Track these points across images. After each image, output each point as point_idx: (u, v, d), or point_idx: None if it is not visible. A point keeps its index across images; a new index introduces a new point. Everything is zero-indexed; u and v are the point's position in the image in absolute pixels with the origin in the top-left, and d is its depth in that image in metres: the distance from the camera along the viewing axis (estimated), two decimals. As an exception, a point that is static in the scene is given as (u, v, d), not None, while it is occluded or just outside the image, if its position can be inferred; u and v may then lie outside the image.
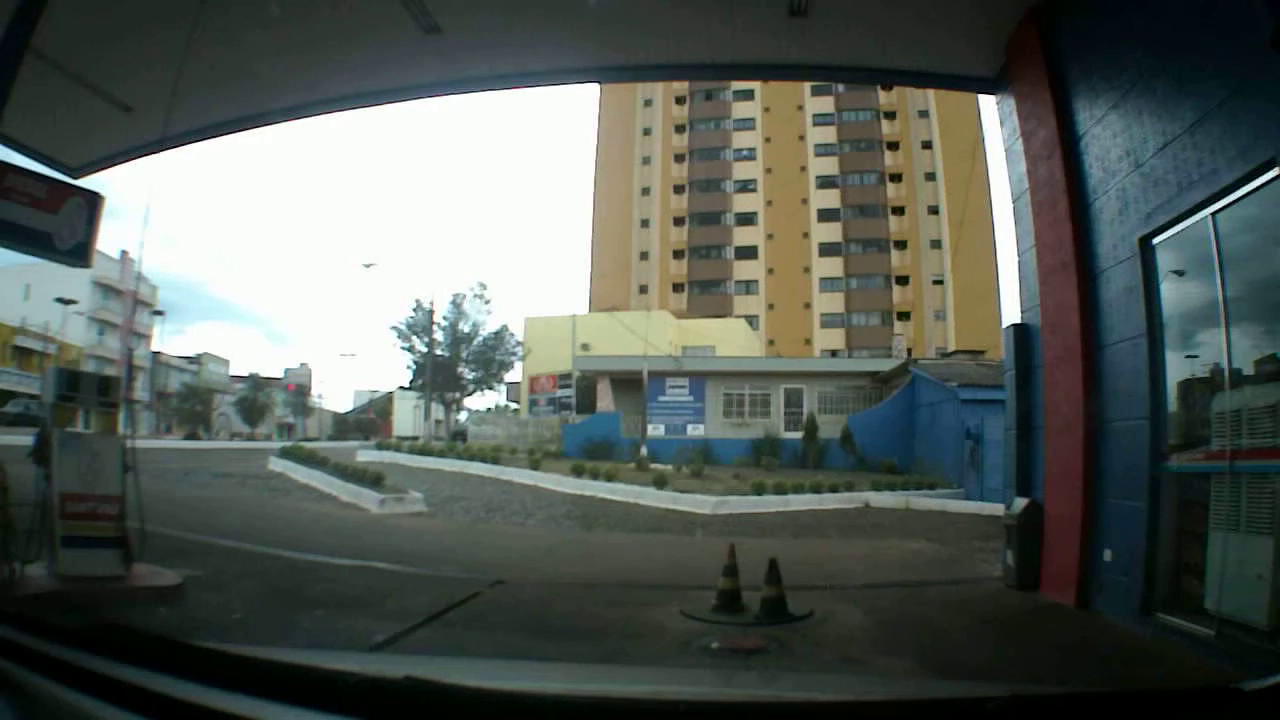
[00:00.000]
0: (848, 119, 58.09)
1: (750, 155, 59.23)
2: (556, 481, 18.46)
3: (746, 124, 59.61)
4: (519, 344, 42.14)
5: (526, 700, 1.18)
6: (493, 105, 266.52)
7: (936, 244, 54.31)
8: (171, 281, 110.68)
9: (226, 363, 74.11)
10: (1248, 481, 4.57)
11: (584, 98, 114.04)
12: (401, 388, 58.77)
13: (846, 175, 57.57)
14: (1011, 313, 9.02)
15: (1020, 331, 7.86)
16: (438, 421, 40.70)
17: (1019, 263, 8.01)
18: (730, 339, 42.61)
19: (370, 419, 78.67)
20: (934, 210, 54.63)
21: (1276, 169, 4.22)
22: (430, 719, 1.09)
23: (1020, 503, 7.33)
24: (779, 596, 5.92)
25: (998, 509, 9.55)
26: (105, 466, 5.96)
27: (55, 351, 42.09)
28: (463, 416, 42.77)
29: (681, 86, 58.20)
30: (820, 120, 58.15)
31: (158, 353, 59.50)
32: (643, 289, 57.39)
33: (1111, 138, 6.15)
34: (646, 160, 60.39)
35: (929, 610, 6.61)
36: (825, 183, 57.58)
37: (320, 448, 25.38)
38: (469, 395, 42.39)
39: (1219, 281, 4.88)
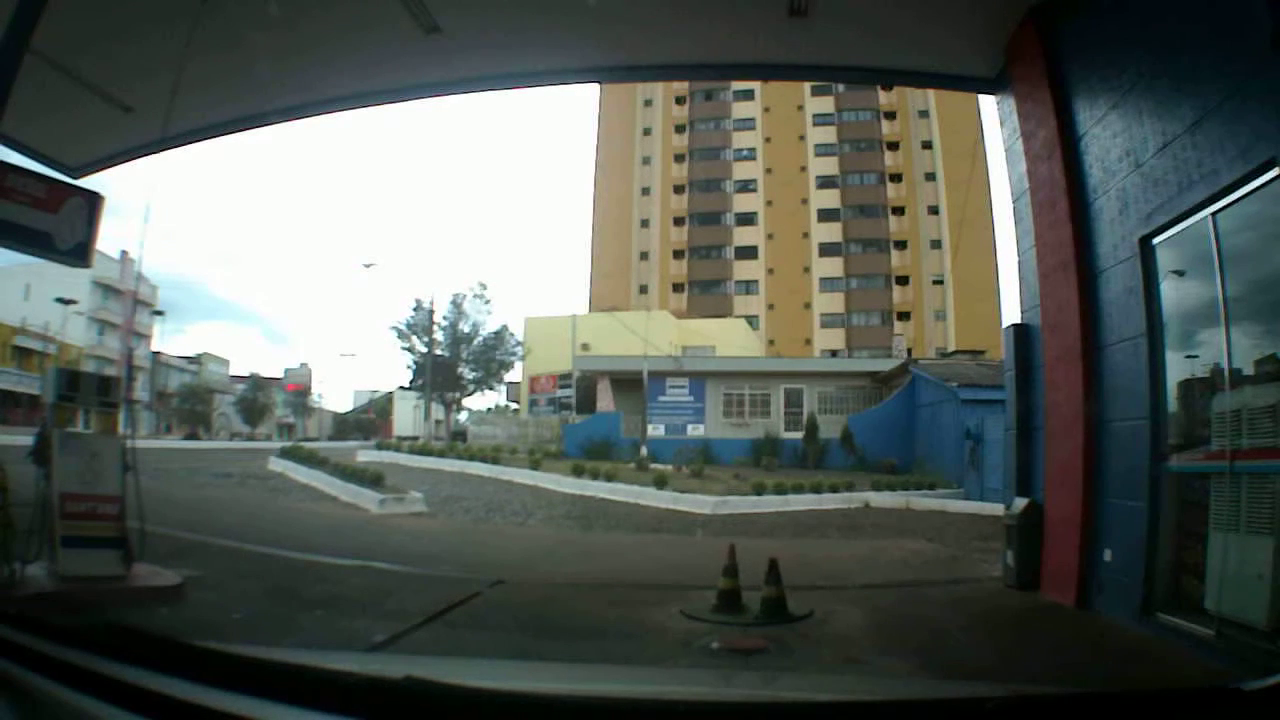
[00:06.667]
0: (848, 119, 58.07)
1: (750, 155, 59.23)
2: (556, 481, 18.45)
3: (746, 124, 59.60)
4: (519, 344, 42.13)
5: (526, 700, 1.18)
6: (493, 105, 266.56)
7: (936, 244, 54.31)
8: (171, 281, 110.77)
9: (226, 363, 74.13)
10: (1248, 481, 4.57)
11: (584, 98, 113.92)
12: (401, 388, 58.83)
13: (846, 175, 57.56)
14: (1011, 313, 9.03)
15: (1020, 331, 7.86)
16: (438, 421, 40.71)
17: (1019, 263, 8.01)
18: (730, 339, 42.61)
19: (370, 419, 78.69)
20: (934, 210, 54.62)
21: (1276, 169, 4.22)
22: (430, 719, 1.09)
23: (1020, 503, 7.33)
24: (779, 596, 5.91)
25: (998, 509, 9.55)
26: (105, 467, 5.96)
27: (55, 351, 42.10)
28: (463, 416, 42.80)
29: (681, 86, 58.18)
30: (820, 120, 58.13)
31: (158, 353, 59.50)
32: (643, 289, 57.39)
33: (1111, 138, 6.15)
34: (646, 160, 60.38)
35: (929, 610, 6.61)
36: (825, 183, 57.57)
37: (320, 448, 25.38)
38: (469, 395, 42.40)
39: (1219, 281, 4.87)
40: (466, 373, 40.72)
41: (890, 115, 57.02)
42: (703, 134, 60.65)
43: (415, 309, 38.66)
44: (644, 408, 26.40)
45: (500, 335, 41.31)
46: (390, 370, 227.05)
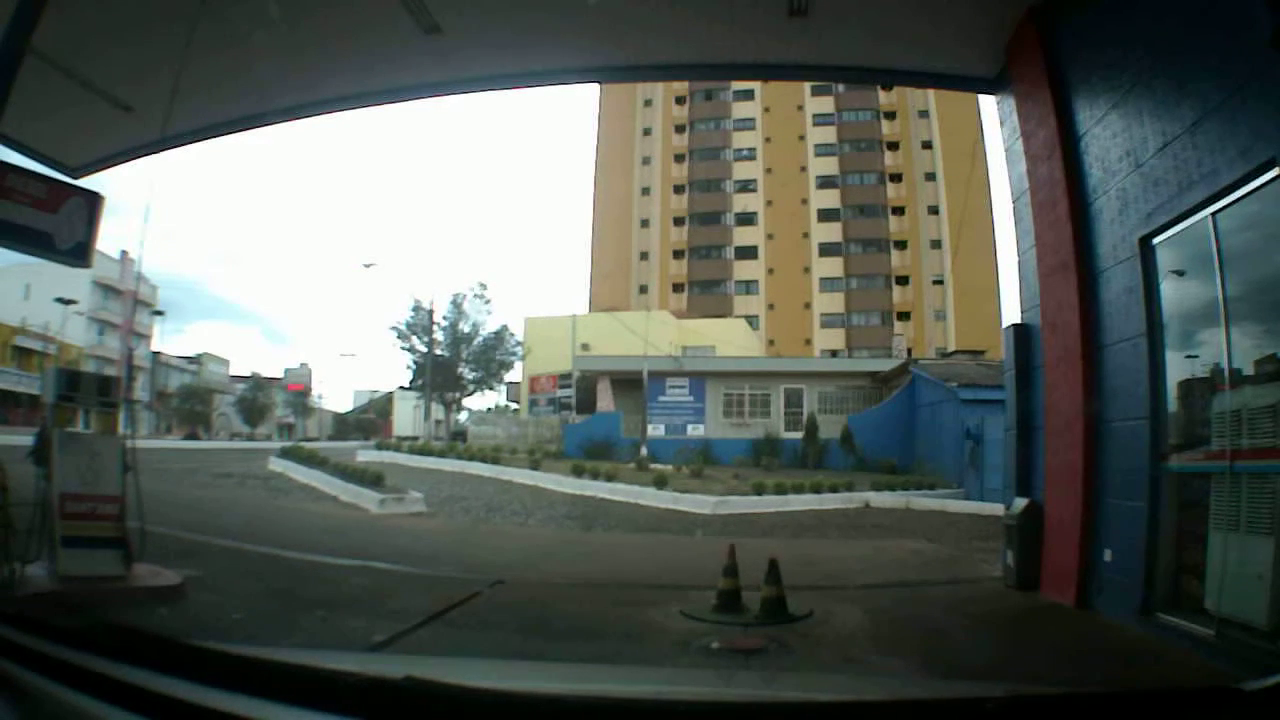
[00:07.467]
0: (848, 119, 58.07)
1: (750, 155, 59.22)
2: (556, 481, 18.45)
3: (746, 124, 59.60)
4: (519, 344, 42.10)
5: (526, 700, 1.18)
6: (493, 105, 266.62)
7: (936, 244, 54.31)
8: (171, 281, 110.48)
9: (226, 363, 74.14)
10: (1248, 481, 4.57)
11: (584, 98, 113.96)
12: (401, 388, 58.76)
13: (846, 175, 57.56)
14: (1011, 313, 9.03)
15: (1020, 331, 7.86)
16: (438, 421, 40.69)
17: (1019, 263, 8.01)
18: (730, 339, 42.58)
19: (370, 419, 78.71)
20: (934, 210, 54.62)
21: (1276, 169, 4.22)
22: (430, 719, 1.09)
23: (1020, 503, 7.33)
24: (779, 596, 5.91)
25: (998, 509, 9.55)
26: (105, 466, 5.96)
27: (55, 351, 42.09)
28: (463, 416, 42.78)
29: (681, 86, 58.16)
30: (820, 120, 58.13)
31: (158, 353, 59.48)
32: (643, 289, 57.37)
33: (1111, 138, 6.15)
34: (646, 160, 60.37)
35: (929, 610, 6.61)
36: (825, 183, 57.57)
37: (320, 448, 25.38)
38: (469, 395, 42.39)
39: (1219, 281, 4.88)
40: (466, 373, 40.69)
41: (890, 115, 57.01)
42: (703, 134, 60.63)
43: (415, 309, 38.67)
44: (644, 408, 26.40)
45: (500, 335, 41.30)
46: (390, 370, 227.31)
